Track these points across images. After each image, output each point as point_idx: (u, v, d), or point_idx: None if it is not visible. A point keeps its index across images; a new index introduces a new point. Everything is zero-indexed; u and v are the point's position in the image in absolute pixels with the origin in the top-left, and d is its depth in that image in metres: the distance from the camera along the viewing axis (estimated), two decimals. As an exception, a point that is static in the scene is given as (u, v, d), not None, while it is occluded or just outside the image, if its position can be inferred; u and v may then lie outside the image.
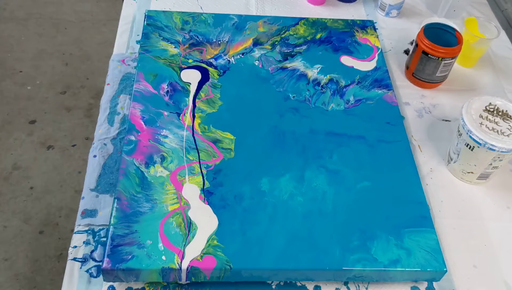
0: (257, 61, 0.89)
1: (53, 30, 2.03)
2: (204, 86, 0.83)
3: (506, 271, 0.70)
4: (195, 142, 0.75)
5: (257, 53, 0.90)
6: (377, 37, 0.96)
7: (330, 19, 0.99)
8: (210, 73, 0.86)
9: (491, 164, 0.75)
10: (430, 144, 0.85)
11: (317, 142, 0.77)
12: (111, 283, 0.65)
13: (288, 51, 0.92)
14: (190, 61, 0.87)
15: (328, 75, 0.88)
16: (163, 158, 0.72)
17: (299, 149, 0.76)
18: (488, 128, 0.73)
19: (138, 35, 0.97)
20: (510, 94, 0.95)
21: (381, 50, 0.94)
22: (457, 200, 0.78)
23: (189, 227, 0.65)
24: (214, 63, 0.87)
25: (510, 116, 0.75)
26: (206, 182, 0.71)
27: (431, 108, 0.90)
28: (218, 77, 0.85)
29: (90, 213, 0.71)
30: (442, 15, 1.09)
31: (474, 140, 0.73)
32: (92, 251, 0.67)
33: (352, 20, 1.00)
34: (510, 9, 1.18)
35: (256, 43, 0.92)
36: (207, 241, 0.64)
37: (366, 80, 0.88)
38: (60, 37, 2.00)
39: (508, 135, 0.72)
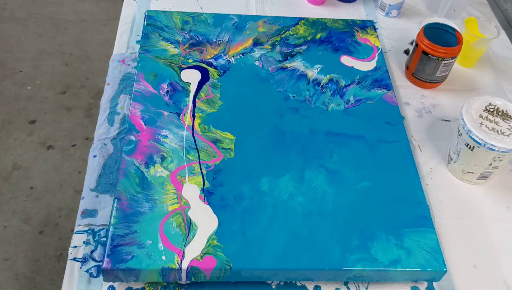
0: (257, 61, 0.89)
1: (53, 30, 2.03)
2: (204, 86, 0.83)
3: (506, 271, 0.70)
4: (195, 142, 0.75)
5: (257, 53, 0.90)
6: (377, 37, 0.96)
7: (330, 19, 0.99)
8: (210, 73, 0.86)
9: (491, 164, 0.75)
10: (430, 144, 0.85)
11: (317, 142, 0.77)
12: (111, 283, 0.65)
13: (288, 51, 0.92)
14: (190, 61, 0.87)
15: (328, 75, 0.88)
16: (163, 158, 0.72)
17: (299, 149, 0.76)
18: (488, 128, 0.73)
19: (138, 35, 0.97)
20: (510, 94, 0.95)
21: (381, 50, 0.94)
22: (457, 200, 0.78)
23: (189, 227, 0.65)
24: (214, 63, 0.87)
25: (510, 116, 0.75)
26: (206, 182, 0.71)
27: (431, 108, 0.90)
28: (218, 77, 0.85)
29: (90, 213, 0.71)
30: (442, 15, 1.09)
31: (474, 140, 0.73)
32: (92, 251, 0.67)
33: (352, 20, 1.00)
34: (510, 9, 1.18)
35: (256, 43, 0.92)
36: (207, 241, 0.64)
37: (366, 80, 0.88)
38: (60, 37, 2.01)
39: (508, 135, 0.72)
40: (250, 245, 0.65)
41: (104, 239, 0.68)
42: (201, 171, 0.72)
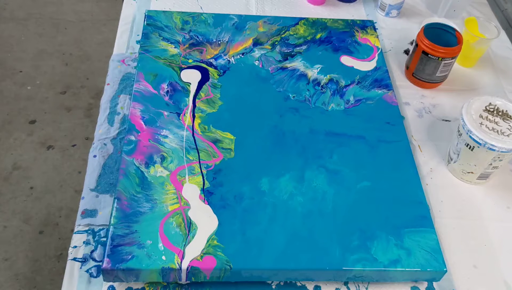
0: (257, 61, 0.89)
1: (53, 30, 2.03)
2: (204, 86, 0.83)
3: (506, 271, 0.70)
4: (195, 142, 0.75)
5: (257, 53, 0.90)
6: (377, 37, 0.96)
7: (330, 19, 0.99)
8: (210, 73, 0.86)
9: (491, 164, 0.75)
10: (430, 144, 0.85)
11: (317, 142, 0.77)
12: (111, 283, 0.65)
13: (288, 51, 0.92)
14: (190, 61, 0.87)
15: (328, 75, 0.88)
16: (163, 158, 0.72)
17: (299, 149, 0.76)
18: (488, 128, 0.73)
19: (138, 35, 0.97)
20: (510, 94, 0.95)
21: (381, 50, 0.94)
22: (457, 200, 0.78)
23: (189, 227, 0.65)
24: (214, 63, 0.88)
25: (510, 116, 0.75)
26: (206, 182, 0.71)
27: (431, 108, 0.90)
28: (218, 77, 0.85)
29: (90, 213, 0.71)
30: (442, 15, 1.09)
31: (474, 140, 0.73)
32: (92, 251, 0.67)
33: (352, 20, 1.00)
34: (510, 9, 1.18)
35: (256, 43, 0.92)
36: (207, 241, 0.64)
37: (366, 80, 0.88)
38: (60, 37, 2.01)
39: (508, 135, 0.72)
40: (250, 245, 0.65)
41: (104, 239, 0.68)
42: (201, 171, 0.72)
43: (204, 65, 0.87)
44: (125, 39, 0.97)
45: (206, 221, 0.66)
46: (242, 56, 0.89)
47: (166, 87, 0.82)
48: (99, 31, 2.05)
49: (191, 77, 0.85)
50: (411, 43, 1.02)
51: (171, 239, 0.64)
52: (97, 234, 0.69)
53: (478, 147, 0.73)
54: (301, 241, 0.66)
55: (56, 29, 2.03)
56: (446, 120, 0.89)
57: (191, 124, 0.77)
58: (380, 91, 0.86)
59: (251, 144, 0.76)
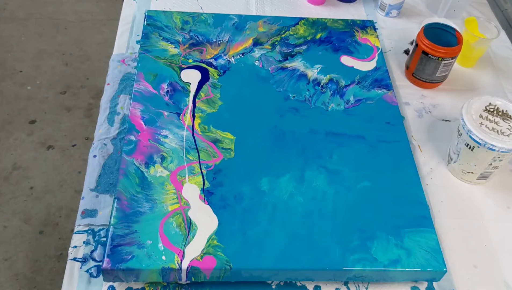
0: (257, 61, 0.89)
1: (53, 30, 2.03)
2: (204, 86, 0.83)
3: (506, 271, 0.70)
4: (195, 142, 0.75)
5: (257, 53, 0.90)
6: (377, 37, 0.96)
7: (330, 19, 0.99)
8: (210, 73, 0.86)
9: (491, 164, 0.75)
10: (430, 144, 0.85)
11: (317, 142, 0.77)
12: (111, 283, 0.65)
13: (288, 51, 0.92)
14: (190, 61, 0.87)
15: (328, 75, 0.88)
16: (163, 158, 0.72)
17: (299, 149, 0.76)
18: (488, 128, 0.73)
19: (138, 35, 0.97)
20: (510, 94, 0.95)
21: (381, 50, 0.94)
22: (457, 200, 0.78)
23: (189, 227, 0.65)
24: (214, 63, 0.88)
25: (510, 116, 0.75)
26: (206, 182, 0.71)
27: (431, 108, 0.90)
28: (218, 77, 0.85)
29: (90, 213, 0.71)
30: (442, 15, 1.09)
31: (474, 140, 0.73)
32: (92, 251, 0.67)
33: (352, 20, 1.00)
34: (510, 9, 1.18)
35: (256, 43, 0.92)
36: (207, 241, 0.64)
37: (366, 80, 0.88)
38: (60, 37, 2.01)
39: (508, 135, 0.72)
40: (250, 245, 0.65)
41: (104, 239, 0.68)
42: (201, 171, 0.72)
43: (204, 65, 0.87)
44: (125, 39, 0.97)
45: (206, 221, 0.66)
46: (242, 56, 0.89)
47: (166, 87, 0.82)
48: (99, 31, 2.05)
49: (191, 77, 0.85)
50: (411, 43, 1.02)
51: (171, 239, 0.64)
52: (97, 234, 0.69)
53: (478, 147, 0.73)
54: (301, 241, 0.66)
55: (56, 29, 2.03)
56: (446, 120, 0.89)
57: (191, 124, 0.77)
58: (380, 91, 0.86)
59: (251, 144, 0.76)
